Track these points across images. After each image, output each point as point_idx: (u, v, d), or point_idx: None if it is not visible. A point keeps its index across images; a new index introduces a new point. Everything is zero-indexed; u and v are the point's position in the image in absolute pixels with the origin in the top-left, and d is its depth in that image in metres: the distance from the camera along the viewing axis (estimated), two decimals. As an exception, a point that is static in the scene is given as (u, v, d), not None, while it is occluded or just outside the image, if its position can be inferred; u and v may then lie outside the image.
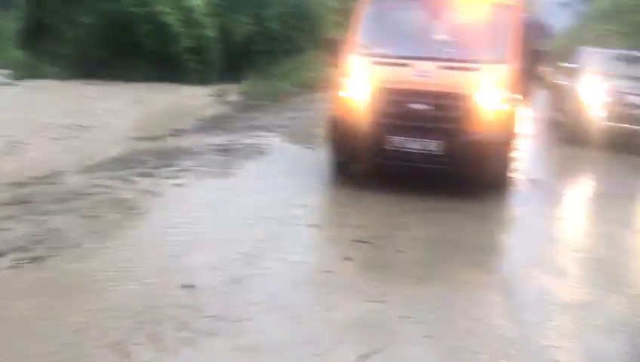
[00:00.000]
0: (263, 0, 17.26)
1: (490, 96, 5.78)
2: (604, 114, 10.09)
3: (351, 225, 5.03)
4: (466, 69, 6.00)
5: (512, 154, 6.17)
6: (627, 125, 10.08)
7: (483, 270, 4.31)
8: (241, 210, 5.35)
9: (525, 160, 7.43)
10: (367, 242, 4.60)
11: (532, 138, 9.70)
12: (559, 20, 31.85)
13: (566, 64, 11.71)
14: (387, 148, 5.89)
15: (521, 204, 6.34)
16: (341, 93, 6.16)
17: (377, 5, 6.81)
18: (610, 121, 10.06)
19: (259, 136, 8.82)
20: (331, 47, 6.62)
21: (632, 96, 10.08)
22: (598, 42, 23.05)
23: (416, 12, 7.00)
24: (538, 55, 6.71)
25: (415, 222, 5.20)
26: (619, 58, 11.86)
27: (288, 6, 17.60)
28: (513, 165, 6.31)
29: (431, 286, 3.94)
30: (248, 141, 8.37)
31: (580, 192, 7.66)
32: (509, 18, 6.41)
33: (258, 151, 7.74)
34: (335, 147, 6.32)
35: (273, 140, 8.62)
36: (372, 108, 5.89)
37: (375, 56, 6.29)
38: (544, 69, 11.05)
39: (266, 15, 17.09)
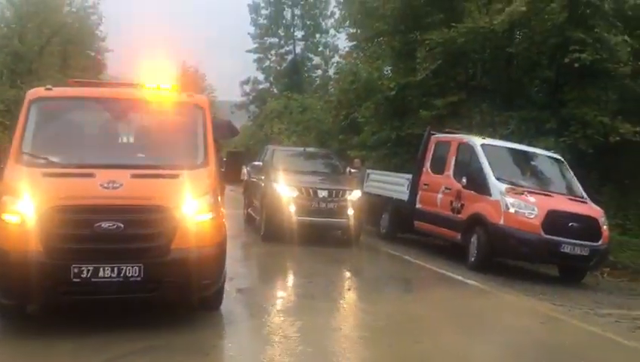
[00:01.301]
0: None
1: (192, 205, 5.06)
2: (294, 209, 10.37)
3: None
4: (162, 176, 5.22)
5: (222, 267, 5.50)
6: (316, 218, 10.55)
7: None
8: None
9: (230, 266, 6.87)
10: None
11: (232, 240, 9.31)
12: (235, 120, 33.98)
13: (257, 162, 11.94)
14: (72, 280, 4.64)
15: (233, 322, 5.69)
16: (3, 216, 4.74)
17: (44, 105, 5.62)
18: (300, 216, 10.37)
19: None
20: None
21: (319, 191, 10.61)
22: (275, 139, 25.09)
23: (94, 112, 5.99)
24: (234, 157, 6.34)
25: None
26: (300, 154, 12.63)
27: None
28: (223, 278, 5.64)
29: None
30: None
31: (287, 297, 7.28)
32: (201, 118, 5.86)
33: None
34: (-3, 286, 4.77)
35: None
36: (48, 232, 4.60)
37: (47, 166, 5.06)
38: (244, 171, 11.03)
39: None
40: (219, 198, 5.53)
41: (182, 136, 5.96)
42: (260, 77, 44.68)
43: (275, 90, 42.41)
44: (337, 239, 11.20)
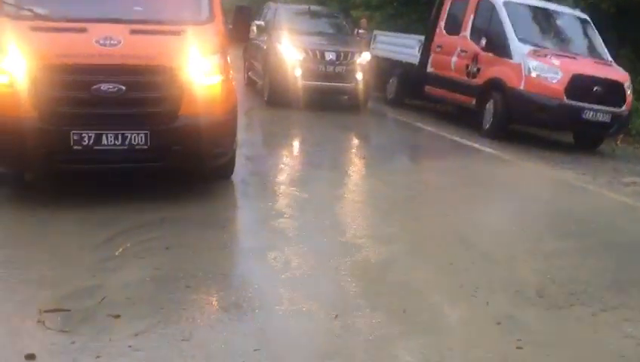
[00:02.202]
0: None
1: (200, 66, 4.52)
2: (300, 72, 9.79)
3: (35, 281, 3.30)
4: (164, 32, 4.61)
5: (234, 135, 5.08)
6: (323, 83, 10.00)
7: (234, 315, 3.11)
8: None
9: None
10: (64, 309, 2.98)
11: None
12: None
13: (258, 22, 11.07)
14: (73, 148, 4.23)
15: (245, 193, 5.37)
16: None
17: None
18: (306, 80, 9.82)
19: None
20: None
21: (326, 53, 9.95)
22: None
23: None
24: (243, 13, 5.68)
25: (127, 251, 3.72)
26: (305, 13, 11.73)
27: None
28: (235, 146, 5.24)
29: None
30: None
31: (298, 166, 6.83)
32: None
33: None
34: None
35: None
36: (41, 94, 4.11)
37: (34, 18, 4.43)
38: (252, 28, 10.19)
39: None
40: (227, 59, 4.97)
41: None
42: None
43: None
44: (343, 104, 10.71)
